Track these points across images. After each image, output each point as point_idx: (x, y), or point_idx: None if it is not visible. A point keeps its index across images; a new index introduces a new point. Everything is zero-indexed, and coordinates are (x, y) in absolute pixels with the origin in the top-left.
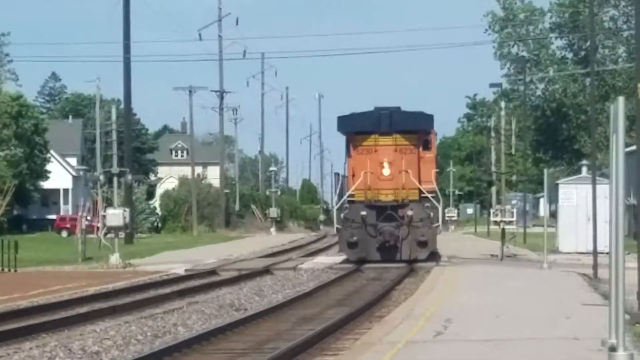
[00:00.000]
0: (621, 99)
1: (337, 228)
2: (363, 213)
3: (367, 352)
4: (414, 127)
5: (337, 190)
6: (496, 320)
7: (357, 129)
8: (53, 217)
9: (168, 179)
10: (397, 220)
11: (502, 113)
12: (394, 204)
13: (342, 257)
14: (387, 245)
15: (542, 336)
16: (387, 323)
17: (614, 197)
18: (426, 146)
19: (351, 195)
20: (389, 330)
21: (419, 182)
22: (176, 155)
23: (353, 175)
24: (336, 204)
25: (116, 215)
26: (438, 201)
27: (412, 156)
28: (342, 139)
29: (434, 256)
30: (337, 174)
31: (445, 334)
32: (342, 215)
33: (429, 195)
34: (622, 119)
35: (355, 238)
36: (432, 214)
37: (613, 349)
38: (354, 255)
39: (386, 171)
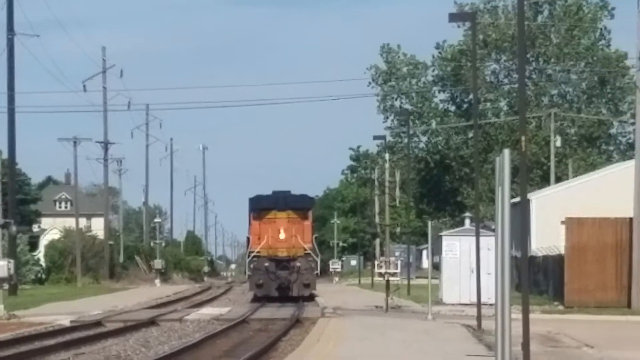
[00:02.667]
0: (507, 152)
1: (248, 275)
2: (266, 264)
3: None
4: (300, 206)
5: (248, 248)
6: None
7: (262, 206)
8: None
9: (52, 230)
10: (290, 269)
11: (386, 165)
12: (287, 258)
13: (228, 308)
14: (283, 286)
15: None
16: None
17: (499, 249)
18: (307, 218)
19: (258, 252)
20: None
21: (304, 243)
22: (60, 207)
23: (259, 238)
24: (247, 257)
25: (0, 267)
26: (317, 256)
27: (299, 225)
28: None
29: (313, 295)
30: (248, 238)
31: None
32: (251, 265)
33: (310, 252)
34: (508, 171)
35: (261, 281)
36: (313, 265)
37: None
38: (260, 292)
39: (282, 235)
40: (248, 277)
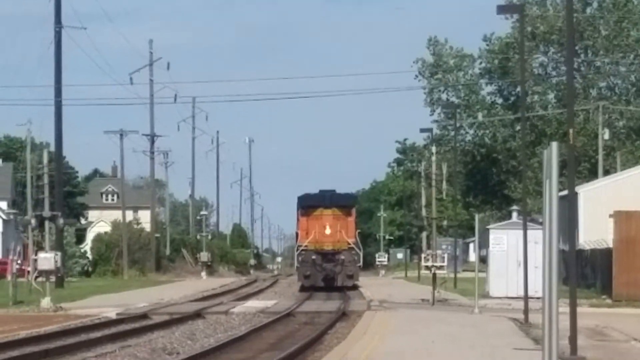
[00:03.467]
0: (555, 145)
1: (296, 267)
2: (313, 257)
3: None
4: (344, 203)
5: (297, 242)
6: None
7: (310, 204)
8: None
9: (99, 222)
10: (335, 261)
11: (433, 158)
12: (332, 251)
13: (274, 301)
14: (329, 277)
15: None
16: None
17: (547, 242)
18: (351, 214)
19: (305, 246)
20: None
21: (348, 237)
22: (107, 199)
23: (306, 233)
24: (296, 250)
25: (47, 259)
26: (359, 249)
27: (343, 221)
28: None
29: (356, 285)
30: (297, 233)
31: None
32: (299, 258)
33: (354, 246)
34: (556, 165)
35: (308, 272)
36: (356, 258)
37: None
38: (308, 283)
39: (328, 231)
40: (296, 269)
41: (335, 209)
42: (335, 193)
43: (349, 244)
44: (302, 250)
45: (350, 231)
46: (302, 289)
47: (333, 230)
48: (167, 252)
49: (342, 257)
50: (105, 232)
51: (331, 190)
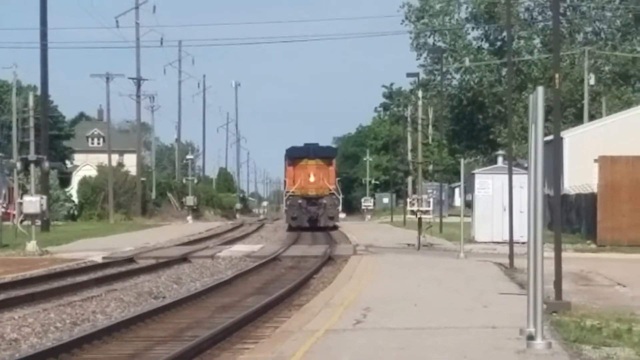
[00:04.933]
0: (540, 89)
1: (285, 210)
2: (299, 201)
3: (286, 341)
4: (326, 155)
5: (285, 189)
6: (415, 309)
7: (296, 155)
8: None
9: (84, 166)
10: (318, 205)
11: (419, 103)
12: (316, 196)
13: (260, 245)
14: (313, 219)
15: (461, 325)
16: (307, 311)
17: (532, 187)
18: (332, 164)
19: (292, 192)
20: (308, 318)
21: (329, 184)
22: (92, 143)
23: (293, 181)
24: (284, 195)
25: (33, 203)
26: (339, 194)
27: (325, 170)
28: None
29: (336, 225)
30: (285, 180)
31: (365, 323)
32: (287, 202)
33: (334, 191)
34: (542, 109)
35: (295, 215)
36: (336, 202)
37: (531, 337)
38: (295, 224)
39: (312, 178)
40: (285, 212)
41: (318, 159)
42: (318, 146)
43: (330, 190)
44: (290, 195)
45: (331, 179)
46: (290, 229)
47: (316, 178)
48: (153, 196)
49: (324, 201)
50: (91, 176)
51: (315, 144)
